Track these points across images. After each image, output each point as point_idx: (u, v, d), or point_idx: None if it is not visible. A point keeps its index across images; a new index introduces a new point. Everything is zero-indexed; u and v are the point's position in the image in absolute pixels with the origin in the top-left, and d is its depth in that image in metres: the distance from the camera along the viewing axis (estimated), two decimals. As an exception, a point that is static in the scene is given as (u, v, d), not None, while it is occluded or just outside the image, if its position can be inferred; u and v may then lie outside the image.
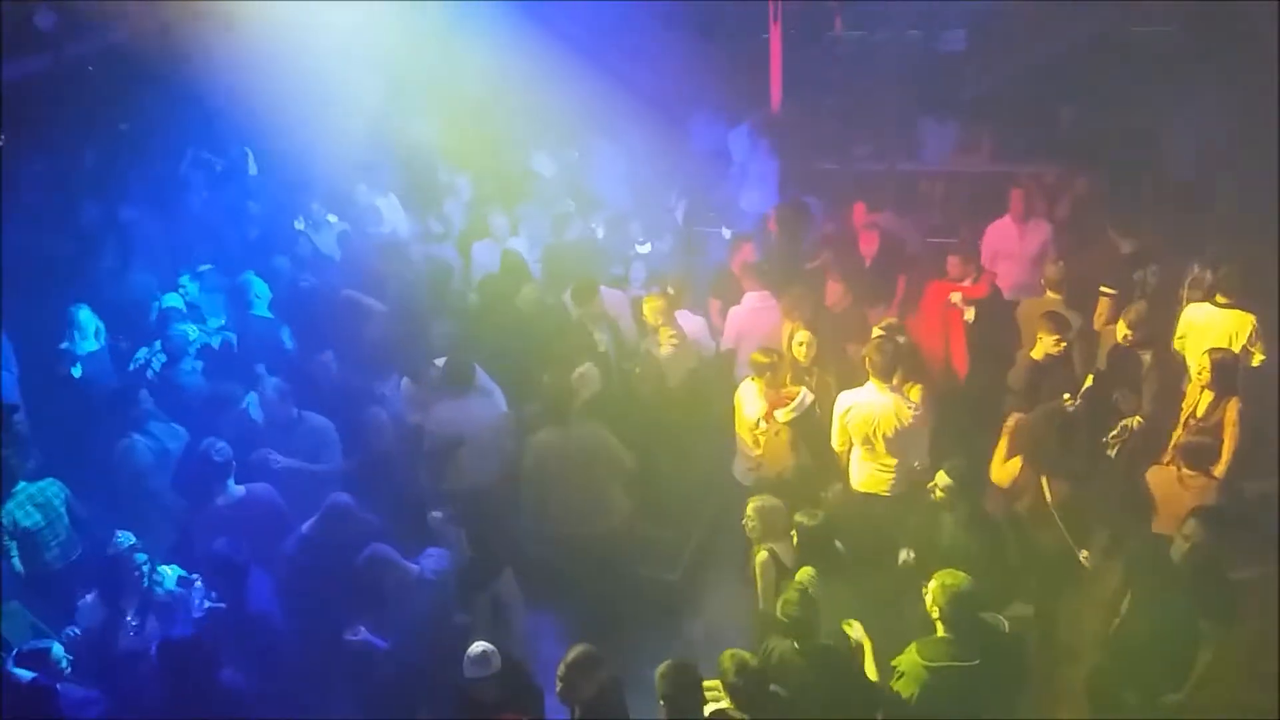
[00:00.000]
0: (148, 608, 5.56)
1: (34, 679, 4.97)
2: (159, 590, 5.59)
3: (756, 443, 6.74)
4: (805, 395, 6.61)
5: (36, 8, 9.79)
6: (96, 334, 7.65)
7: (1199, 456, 6.03)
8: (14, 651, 5.17)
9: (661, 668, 4.77)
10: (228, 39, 10.55)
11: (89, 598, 5.63)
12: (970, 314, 7.76)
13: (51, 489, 6.33)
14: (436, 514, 6.15)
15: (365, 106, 10.32)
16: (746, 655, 4.88)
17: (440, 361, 7.04)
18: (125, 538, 5.60)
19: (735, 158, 10.48)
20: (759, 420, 6.68)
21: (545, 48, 10.35)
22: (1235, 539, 5.56)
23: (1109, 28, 10.28)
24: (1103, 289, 7.53)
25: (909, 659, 4.92)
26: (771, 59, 11.90)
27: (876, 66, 11.65)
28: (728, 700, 4.82)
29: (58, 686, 5.00)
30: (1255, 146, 8.59)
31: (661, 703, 4.77)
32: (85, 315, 7.59)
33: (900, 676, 4.92)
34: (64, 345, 7.43)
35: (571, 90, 9.91)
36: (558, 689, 4.92)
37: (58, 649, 5.11)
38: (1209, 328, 7.16)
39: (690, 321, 7.83)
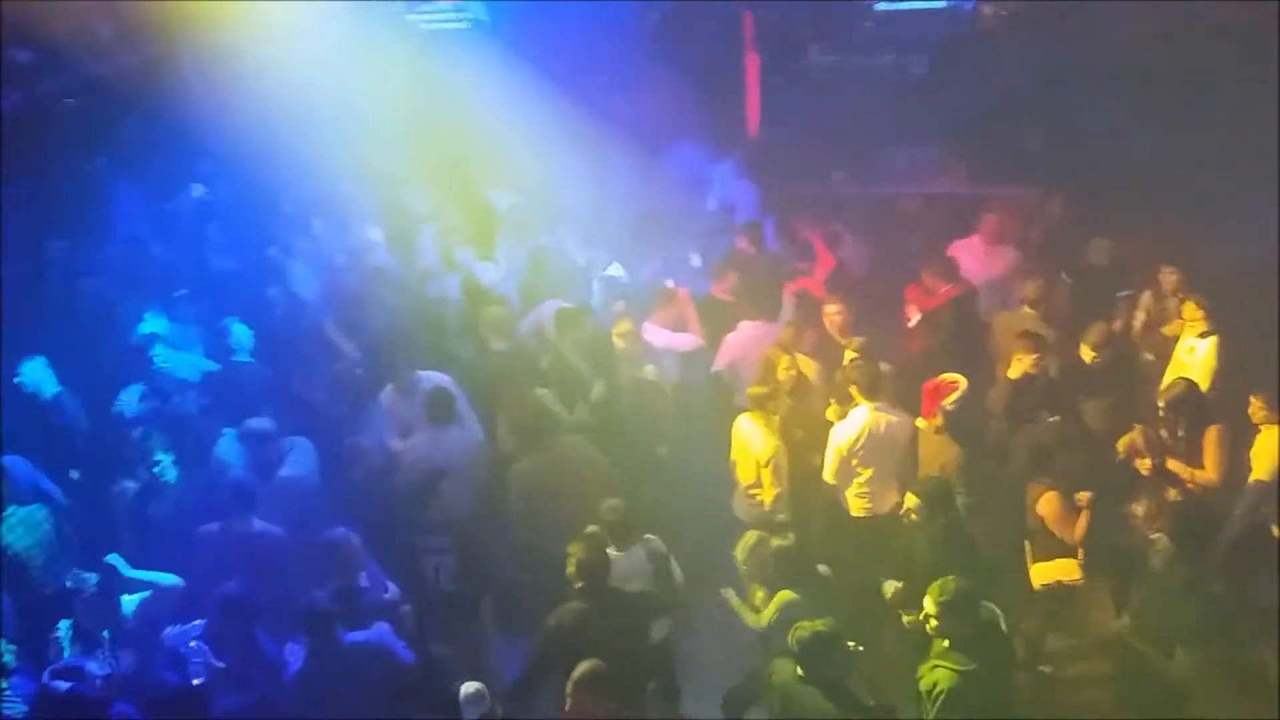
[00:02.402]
0: (120, 642, 5.48)
1: (72, 687, 4.95)
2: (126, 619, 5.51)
3: (760, 482, 6.63)
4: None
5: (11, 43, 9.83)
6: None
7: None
8: (50, 668, 5.15)
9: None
10: (204, 73, 10.62)
11: (62, 629, 5.56)
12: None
13: (40, 513, 6.35)
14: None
15: (340, 138, 10.33)
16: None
17: (425, 374, 7.04)
18: (88, 578, 5.54)
19: (716, 187, 10.54)
20: (765, 460, 6.57)
21: (520, 78, 10.44)
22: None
23: (1083, 55, 10.36)
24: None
25: (942, 673, 4.89)
26: (748, 86, 12.03)
27: (850, 92, 11.75)
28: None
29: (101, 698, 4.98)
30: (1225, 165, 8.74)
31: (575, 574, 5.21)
32: (38, 367, 7.35)
33: (935, 689, 4.89)
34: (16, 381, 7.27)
35: (547, 117, 9.94)
36: (567, 707, 4.88)
37: (93, 665, 5.09)
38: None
39: (676, 339, 7.85)
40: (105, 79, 10.36)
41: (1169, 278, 7.80)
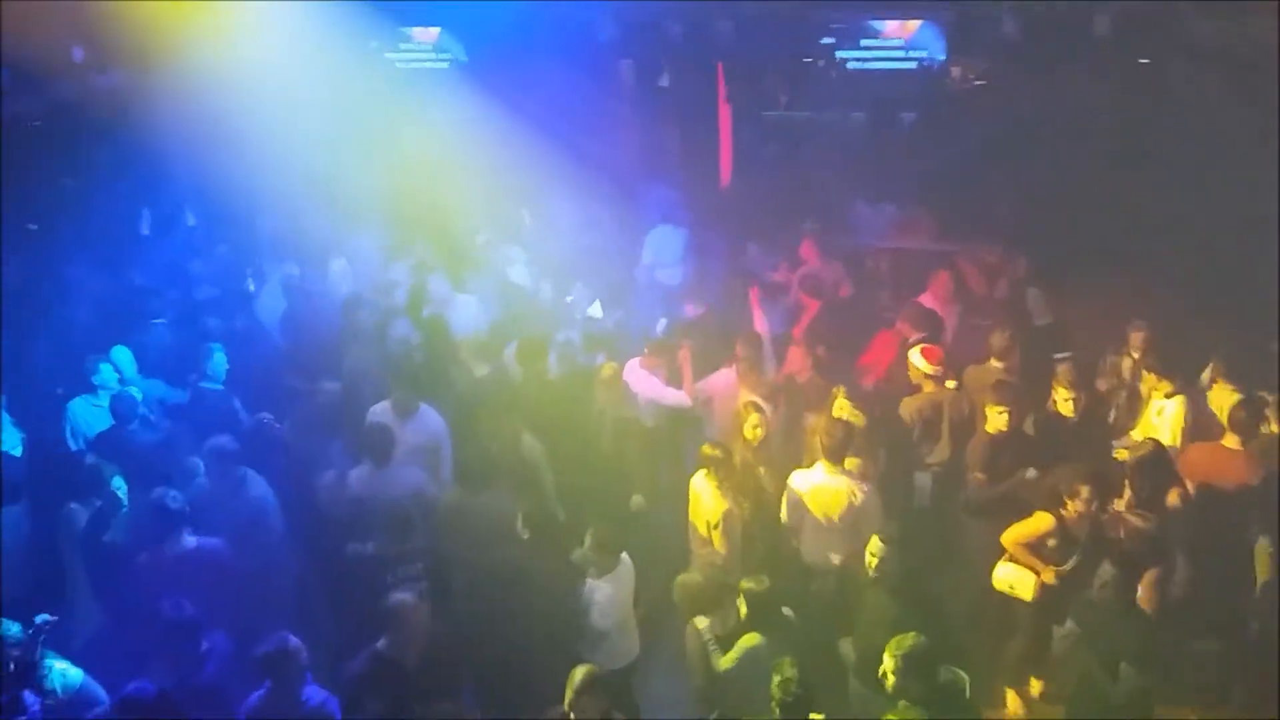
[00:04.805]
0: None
1: None
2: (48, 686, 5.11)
3: (711, 541, 6.55)
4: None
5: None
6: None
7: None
8: None
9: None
10: (176, 98, 10.55)
11: None
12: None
13: None
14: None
15: (314, 172, 10.29)
16: None
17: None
18: (8, 626, 5.11)
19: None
20: (715, 522, 6.49)
21: (500, 117, 10.50)
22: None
23: (1051, 115, 10.60)
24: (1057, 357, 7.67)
25: None
26: (721, 136, 12.19)
27: (821, 146, 11.96)
28: None
29: None
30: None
31: None
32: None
33: None
34: None
35: (525, 158, 10.00)
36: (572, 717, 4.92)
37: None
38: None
39: (666, 393, 7.74)
40: (77, 102, 10.25)
41: (1136, 336, 7.90)
